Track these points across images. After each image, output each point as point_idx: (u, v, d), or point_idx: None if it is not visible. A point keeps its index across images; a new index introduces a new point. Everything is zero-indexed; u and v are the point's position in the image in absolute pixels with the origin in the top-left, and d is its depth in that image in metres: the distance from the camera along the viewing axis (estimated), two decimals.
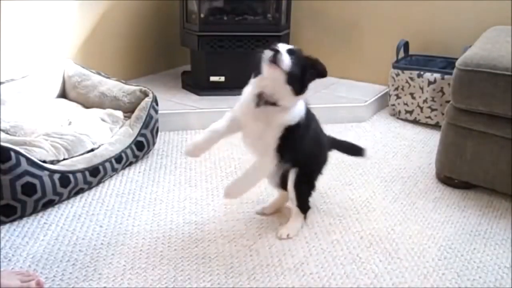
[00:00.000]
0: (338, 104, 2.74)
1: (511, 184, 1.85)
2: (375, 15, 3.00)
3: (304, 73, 1.44)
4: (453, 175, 2.00)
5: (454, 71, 1.89)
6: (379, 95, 2.90)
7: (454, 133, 1.94)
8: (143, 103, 2.16)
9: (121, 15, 2.84)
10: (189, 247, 1.59)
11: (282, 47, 1.43)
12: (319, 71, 1.48)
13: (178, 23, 2.88)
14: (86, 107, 2.31)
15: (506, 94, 1.76)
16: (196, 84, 2.85)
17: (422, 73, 2.61)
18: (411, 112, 2.71)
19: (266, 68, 1.42)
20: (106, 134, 2.06)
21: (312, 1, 3.17)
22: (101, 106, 2.25)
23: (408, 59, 2.82)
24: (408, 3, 2.88)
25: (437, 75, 2.56)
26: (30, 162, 1.67)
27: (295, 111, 1.50)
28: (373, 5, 2.99)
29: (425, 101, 2.63)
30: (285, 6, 2.79)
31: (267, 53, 1.41)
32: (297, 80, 1.43)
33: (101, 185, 1.94)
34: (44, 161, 1.75)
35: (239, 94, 2.73)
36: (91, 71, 2.40)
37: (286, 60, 1.40)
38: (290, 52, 1.42)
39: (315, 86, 1.52)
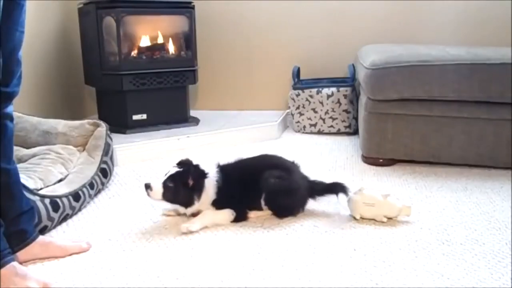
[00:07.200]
0: (250, 125, 2.98)
1: (425, 153, 2.35)
2: (266, 46, 3.41)
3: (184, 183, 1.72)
4: (379, 155, 2.42)
5: (367, 72, 2.36)
6: (282, 116, 3.26)
7: (376, 120, 2.38)
8: (97, 133, 2.17)
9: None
10: (189, 247, 1.60)
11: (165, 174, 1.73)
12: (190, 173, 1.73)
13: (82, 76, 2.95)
14: (27, 148, 2.19)
15: (411, 80, 2.27)
16: (120, 124, 2.86)
17: (320, 89, 3.08)
18: (315, 125, 3.14)
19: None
20: (66, 165, 2.02)
21: (212, 39, 3.44)
22: (47, 144, 2.17)
23: (300, 83, 3.27)
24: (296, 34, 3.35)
25: (334, 89, 3.05)
26: (24, 187, 1.59)
27: None
28: (264, 37, 3.40)
29: (326, 112, 3.09)
30: (194, 43, 3.01)
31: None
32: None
33: (84, 210, 1.91)
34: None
35: (163, 129, 2.84)
36: (23, 114, 2.30)
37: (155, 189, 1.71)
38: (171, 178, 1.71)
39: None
